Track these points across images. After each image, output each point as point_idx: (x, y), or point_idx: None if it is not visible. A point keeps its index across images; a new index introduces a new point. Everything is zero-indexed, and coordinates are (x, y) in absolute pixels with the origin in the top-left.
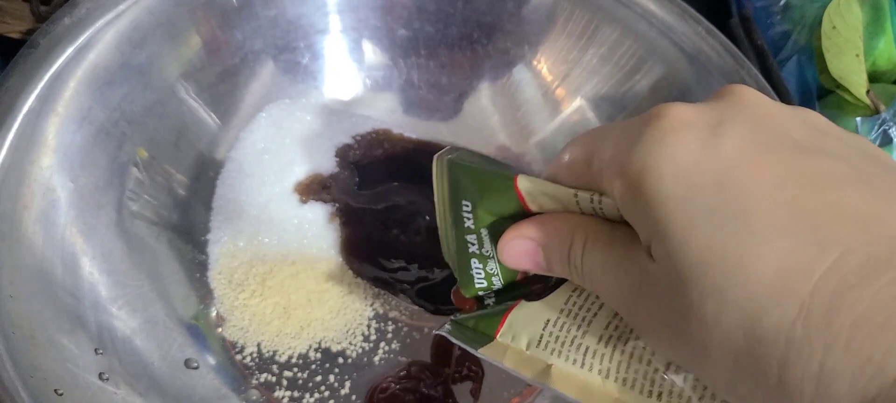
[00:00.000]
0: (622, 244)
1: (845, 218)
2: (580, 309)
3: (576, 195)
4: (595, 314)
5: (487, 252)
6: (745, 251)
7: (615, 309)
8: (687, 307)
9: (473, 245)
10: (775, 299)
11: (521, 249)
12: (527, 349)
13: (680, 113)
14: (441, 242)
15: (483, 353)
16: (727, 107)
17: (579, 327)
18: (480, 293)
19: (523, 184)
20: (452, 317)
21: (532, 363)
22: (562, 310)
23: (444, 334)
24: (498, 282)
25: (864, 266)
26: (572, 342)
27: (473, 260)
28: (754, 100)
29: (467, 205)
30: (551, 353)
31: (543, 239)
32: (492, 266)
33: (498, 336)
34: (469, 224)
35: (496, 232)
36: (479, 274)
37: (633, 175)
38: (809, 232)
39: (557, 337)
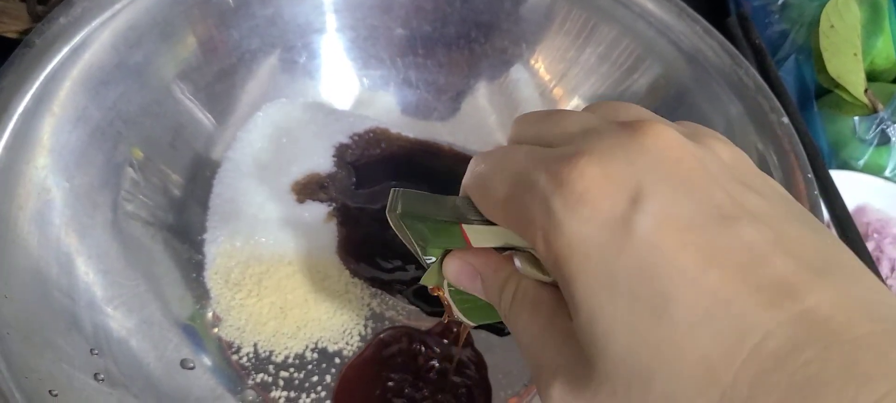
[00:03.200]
0: (548, 310)
1: (766, 299)
2: None
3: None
4: None
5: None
6: (670, 341)
7: (526, 361)
8: (611, 393)
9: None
10: (698, 389)
11: (461, 270)
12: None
13: (592, 179)
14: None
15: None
16: (645, 164)
17: None
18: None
19: (468, 230)
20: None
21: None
22: None
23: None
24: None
25: (782, 348)
26: None
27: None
28: (672, 153)
29: (422, 245)
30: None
31: (481, 270)
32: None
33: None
34: (429, 261)
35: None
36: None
37: (557, 251)
38: (732, 318)
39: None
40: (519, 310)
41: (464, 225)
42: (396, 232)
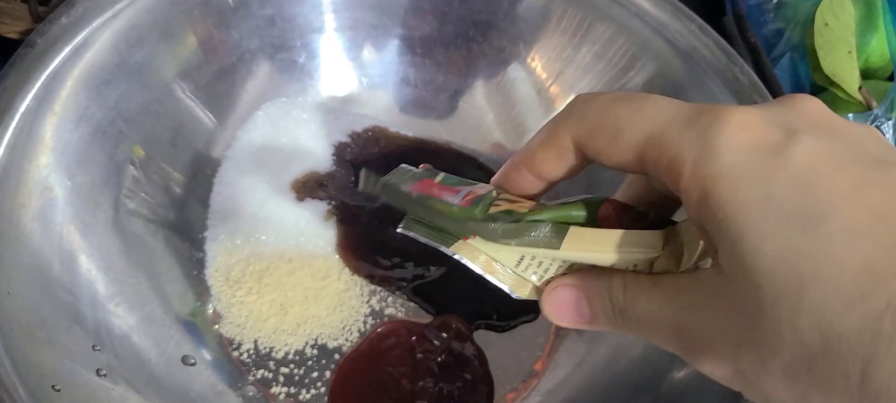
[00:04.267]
0: (665, 281)
1: None
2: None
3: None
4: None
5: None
6: (826, 251)
7: (664, 344)
8: (758, 311)
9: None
10: (859, 295)
11: (564, 297)
12: (510, 264)
13: (749, 117)
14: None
15: (453, 251)
16: (797, 117)
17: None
18: None
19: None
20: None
21: (508, 276)
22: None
23: (403, 231)
24: None
25: None
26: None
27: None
28: (824, 112)
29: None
30: (531, 276)
31: (583, 283)
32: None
33: (469, 240)
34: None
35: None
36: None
37: (707, 177)
38: (894, 233)
39: (535, 271)
40: (635, 294)
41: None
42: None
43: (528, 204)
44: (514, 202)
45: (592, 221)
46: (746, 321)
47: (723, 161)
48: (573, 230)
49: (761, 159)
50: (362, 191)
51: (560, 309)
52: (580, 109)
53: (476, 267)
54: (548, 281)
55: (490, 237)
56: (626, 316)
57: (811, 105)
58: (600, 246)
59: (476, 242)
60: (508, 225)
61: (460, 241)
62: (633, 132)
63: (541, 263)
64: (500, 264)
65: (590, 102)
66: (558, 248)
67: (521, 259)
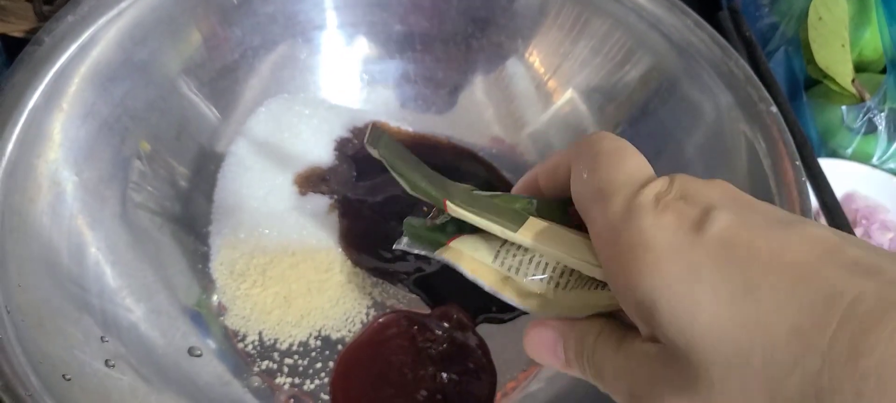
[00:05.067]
0: (632, 341)
1: (848, 271)
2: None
3: (497, 256)
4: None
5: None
6: (757, 320)
7: (618, 393)
8: (708, 386)
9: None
10: (796, 357)
11: (542, 338)
12: (487, 261)
13: (667, 192)
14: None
15: (440, 255)
16: (710, 196)
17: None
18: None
19: (451, 208)
20: (407, 220)
21: (489, 272)
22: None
23: (403, 248)
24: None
25: (876, 308)
26: (522, 268)
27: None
28: (735, 192)
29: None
30: (507, 270)
31: (563, 328)
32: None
33: (451, 243)
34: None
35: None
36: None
37: (626, 251)
38: (816, 289)
39: (510, 264)
40: (603, 347)
41: (448, 203)
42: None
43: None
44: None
45: (562, 216)
46: (700, 397)
47: (642, 235)
48: (532, 220)
49: (680, 236)
50: (366, 143)
51: (539, 347)
52: (573, 150)
53: (460, 268)
54: (525, 284)
55: (457, 197)
56: (593, 367)
57: (725, 186)
58: (551, 242)
59: (458, 243)
60: (475, 194)
61: (444, 247)
62: (577, 189)
63: (514, 256)
64: (480, 262)
65: (578, 147)
66: (515, 232)
67: (497, 254)
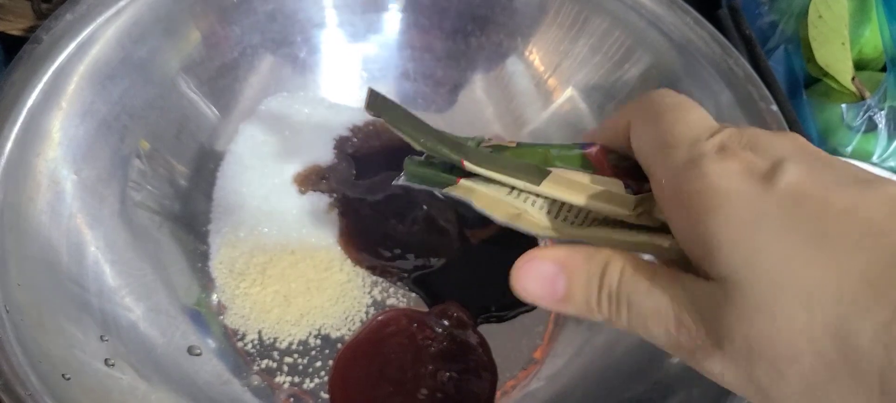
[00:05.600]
0: (666, 272)
1: None
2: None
3: (511, 191)
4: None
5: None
6: (827, 261)
7: (659, 338)
8: (769, 320)
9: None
10: (866, 305)
11: (537, 271)
12: (500, 195)
13: (741, 153)
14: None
15: (449, 192)
16: (781, 149)
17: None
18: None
19: (469, 167)
20: (408, 159)
21: (502, 205)
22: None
23: (403, 183)
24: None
25: None
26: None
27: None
28: (807, 146)
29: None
30: (523, 202)
31: (569, 261)
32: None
33: (459, 182)
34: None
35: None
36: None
37: (693, 192)
38: (889, 247)
39: (525, 198)
40: (634, 283)
41: (466, 163)
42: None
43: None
44: (505, 146)
45: (582, 160)
46: (758, 329)
47: (710, 181)
48: (555, 172)
49: (750, 185)
50: (366, 108)
51: (531, 281)
52: (633, 106)
53: (471, 201)
54: (540, 218)
55: (474, 156)
56: (619, 301)
57: (796, 139)
58: (576, 193)
59: (467, 181)
60: (494, 154)
61: (453, 185)
62: (639, 143)
63: (528, 196)
64: (492, 196)
65: (639, 104)
66: (538, 185)
67: (512, 189)
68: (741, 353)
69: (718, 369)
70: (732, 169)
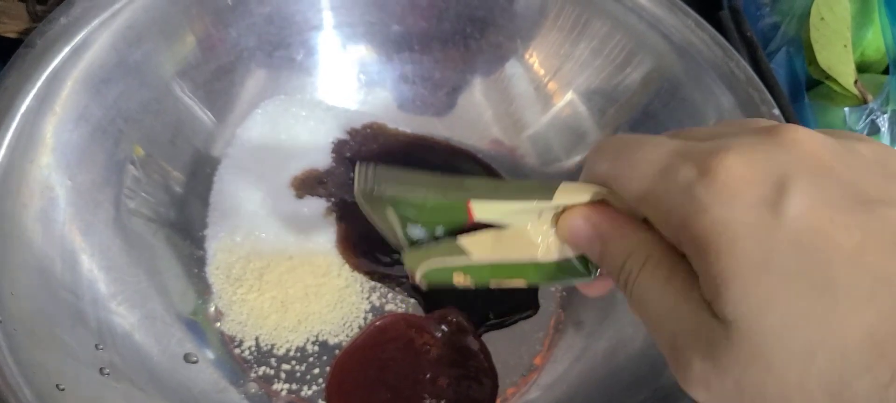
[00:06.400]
0: (682, 281)
1: None
2: None
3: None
4: None
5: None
6: (831, 318)
7: (658, 343)
8: (765, 368)
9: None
10: (866, 364)
11: (581, 229)
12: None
13: (737, 169)
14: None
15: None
16: (785, 160)
17: None
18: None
19: (478, 208)
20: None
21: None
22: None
23: (420, 282)
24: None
25: None
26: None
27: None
28: (811, 147)
29: (407, 220)
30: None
31: (606, 232)
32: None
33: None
34: (419, 234)
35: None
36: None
37: (700, 231)
38: (893, 299)
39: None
40: (649, 279)
41: (472, 202)
42: (363, 209)
43: None
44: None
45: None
46: (751, 377)
47: (714, 219)
48: (565, 183)
49: (754, 217)
50: (360, 192)
51: (573, 235)
52: (594, 161)
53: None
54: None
55: (479, 192)
56: (629, 294)
57: (798, 138)
58: (583, 192)
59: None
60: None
61: (462, 240)
62: (630, 192)
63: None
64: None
65: (602, 152)
66: (551, 200)
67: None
68: (729, 394)
69: (702, 398)
70: (733, 195)
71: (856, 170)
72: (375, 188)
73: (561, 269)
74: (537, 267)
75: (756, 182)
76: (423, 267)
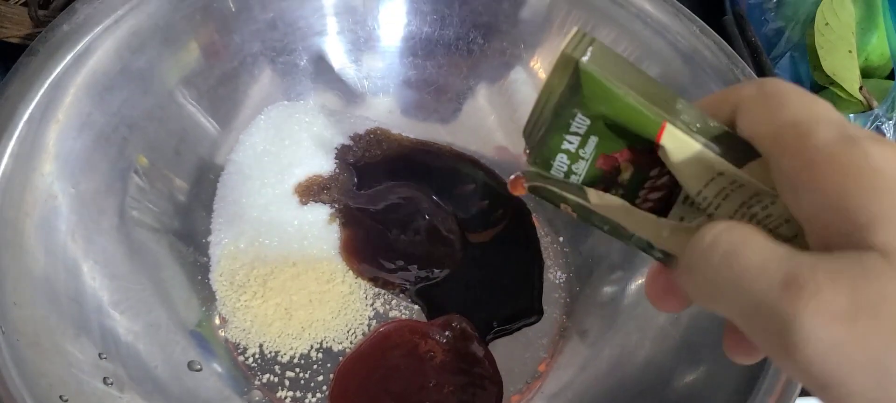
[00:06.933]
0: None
1: None
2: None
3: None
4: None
5: (584, 154)
6: None
7: (741, 310)
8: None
9: (571, 144)
10: None
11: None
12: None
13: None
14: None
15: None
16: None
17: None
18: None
19: (668, 141)
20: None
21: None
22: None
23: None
24: (576, 180)
25: None
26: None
27: (562, 155)
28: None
29: (582, 119)
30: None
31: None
32: (580, 166)
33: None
34: (576, 127)
35: (605, 142)
36: (563, 166)
37: (854, 169)
38: None
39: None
40: (747, 231)
41: (666, 138)
42: (551, 77)
43: None
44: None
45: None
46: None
47: (872, 163)
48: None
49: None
50: (568, 50)
51: (658, 301)
52: (739, 90)
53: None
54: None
55: (681, 117)
56: (717, 247)
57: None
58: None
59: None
60: (698, 115)
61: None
62: (761, 121)
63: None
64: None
65: (752, 87)
66: (740, 169)
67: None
68: (874, 332)
69: (822, 350)
70: (891, 153)
71: None
72: (585, 64)
73: (660, 254)
74: (642, 240)
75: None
76: (537, 182)
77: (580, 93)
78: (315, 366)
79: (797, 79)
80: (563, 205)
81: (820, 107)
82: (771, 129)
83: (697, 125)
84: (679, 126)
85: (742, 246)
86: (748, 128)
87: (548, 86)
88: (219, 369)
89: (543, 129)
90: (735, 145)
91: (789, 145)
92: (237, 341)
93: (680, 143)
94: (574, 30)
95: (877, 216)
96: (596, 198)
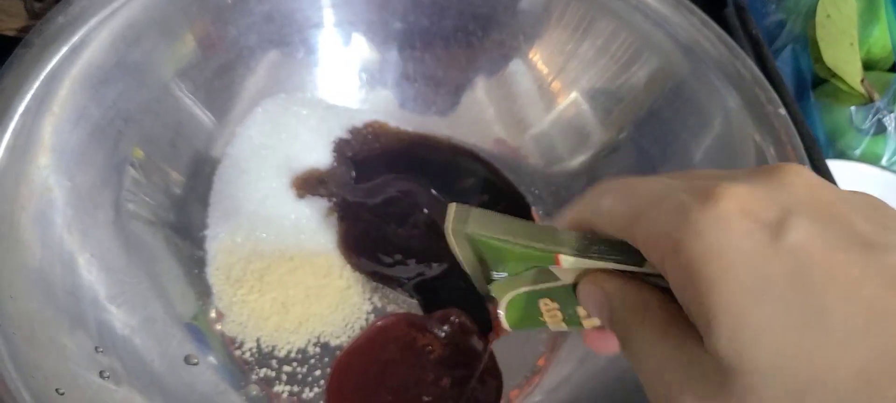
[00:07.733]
0: (680, 329)
1: None
2: None
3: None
4: None
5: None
6: (824, 353)
7: (650, 385)
8: None
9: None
10: (860, 401)
11: (592, 294)
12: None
13: (739, 197)
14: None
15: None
16: (787, 197)
17: None
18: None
19: (566, 262)
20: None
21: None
22: None
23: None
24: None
25: None
26: None
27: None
28: (813, 188)
29: (493, 262)
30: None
31: (611, 294)
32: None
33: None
34: (498, 276)
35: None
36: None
37: (693, 258)
38: (890, 334)
39: None
40: (647, 330)
41: (561, 256)
42: (450, 243)
43: None
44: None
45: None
46: None
47: (709, 243)
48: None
49: (754, 244)
50: (453, 229)
51: (590, 304)
52: (589, 200)
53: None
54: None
55: (569, 245)
56: (627, 347)
57: (800, 179)
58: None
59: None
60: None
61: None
62: (620, 217)
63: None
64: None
65: (596, 192)
66: (642, 267)
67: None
68: None
69: None
70: (731, 221)
71: (855, 215)
72: (469, 229)
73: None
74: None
75: (756, 212)
76: (509, 296)
77: (484, 256)
78: (312, 361)
79: (798, 72)
80: (542, 305)
81: (652, 181)
82: (618, 224)
83: (586, 247)
84: (568, 252)
85: (644, 347)
86: (605, 228)
87: (465, 259)
88: (215, 363)
89: (487, 286)
90: (627, 248)
91: (637, 243)
92: (234, 335)
93: (574, 263)
94: (452, 207)
95: (716, 321)
96: (566, 263)
